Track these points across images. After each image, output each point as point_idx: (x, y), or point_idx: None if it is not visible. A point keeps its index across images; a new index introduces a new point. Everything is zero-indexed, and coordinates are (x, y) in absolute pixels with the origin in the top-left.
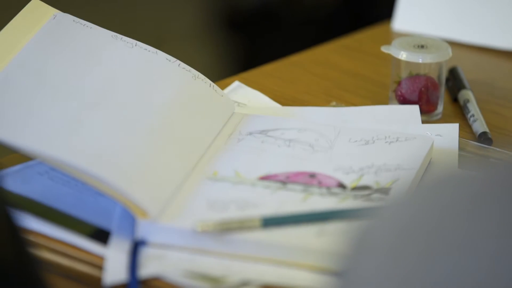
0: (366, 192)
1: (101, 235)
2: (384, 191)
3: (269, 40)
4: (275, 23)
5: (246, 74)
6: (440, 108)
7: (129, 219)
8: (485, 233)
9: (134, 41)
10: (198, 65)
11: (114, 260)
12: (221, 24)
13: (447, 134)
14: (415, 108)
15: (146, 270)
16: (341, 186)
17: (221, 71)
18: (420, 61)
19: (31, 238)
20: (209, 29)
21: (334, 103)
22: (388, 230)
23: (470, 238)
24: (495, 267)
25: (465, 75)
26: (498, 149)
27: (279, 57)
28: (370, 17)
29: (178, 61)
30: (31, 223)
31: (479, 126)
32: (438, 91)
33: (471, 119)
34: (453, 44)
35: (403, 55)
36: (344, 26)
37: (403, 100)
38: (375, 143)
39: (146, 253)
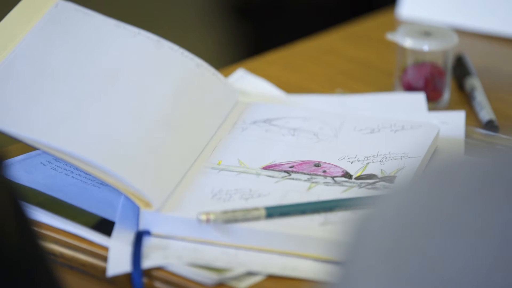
0: (371, 180)
1: (105, 226)
2: (390, 179)
3: (276, 27)
4: (281, 9)
5: (251, 62)
6: (446, 96)
7: (133, 210)
8: (489, 220)
9: (137, 30)
10: (204, 52)
11: (117, 251)
12: (228, 11)
13: (453, 121)
14: (421, 96)
15: (150, 260)
16: (347, 175)
17: (227, 58)
18: (426, 48)
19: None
20: (215, 16)
21: (339, 90)
22: (387, 218)
23: (471, 225)
24: (499, 255)
25: (472, 62)
26: (504, 136)
27: (286, 44)
28: (376, 3)
29: (181, 49)
30: (34, 213)
31: (486, 113)
32: (444, 79)
33: (478, 106)
34: (460, 32)
35: (408, 43)
36: (350, 13)
37: (409, 88)
38: (381, 132)
39: (149, 244)
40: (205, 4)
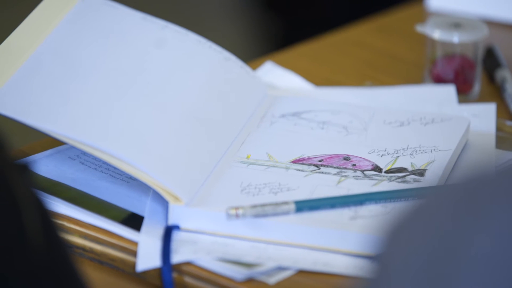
0: (401, 174)
1: (134, 221)
2: (420, 172)
3: (304, 19)
4: (310, 1)
5: (279, 54)
6: (476, 88)
7: (162, 204)
8: None
9: (164, 23)
10: (233, 45)
11: (147, 246)
12: (256, 3)
13: (484, 114)
14: (451, 88)
15: (179, 255)
16: (376, 168)
17: (255, 50)
18: (456, 40)
19: (63, 223)
20: (244, 8)
21: (368, 82)
22: (423, 226)
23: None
24: None
25: (502, 54)
26: None
27: (314, 36)
28: None
29: (210, 42)
30: (63, 208)
31: None
32: (474, 71)
33: (509, 98)
34: (491, 23)
35: (438, 34)
36: (379, 4)
37: (439, 80)
38: (410, 125)
39: (179, 239)
40: None
